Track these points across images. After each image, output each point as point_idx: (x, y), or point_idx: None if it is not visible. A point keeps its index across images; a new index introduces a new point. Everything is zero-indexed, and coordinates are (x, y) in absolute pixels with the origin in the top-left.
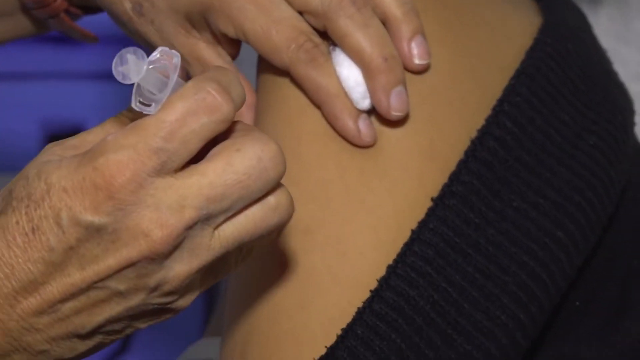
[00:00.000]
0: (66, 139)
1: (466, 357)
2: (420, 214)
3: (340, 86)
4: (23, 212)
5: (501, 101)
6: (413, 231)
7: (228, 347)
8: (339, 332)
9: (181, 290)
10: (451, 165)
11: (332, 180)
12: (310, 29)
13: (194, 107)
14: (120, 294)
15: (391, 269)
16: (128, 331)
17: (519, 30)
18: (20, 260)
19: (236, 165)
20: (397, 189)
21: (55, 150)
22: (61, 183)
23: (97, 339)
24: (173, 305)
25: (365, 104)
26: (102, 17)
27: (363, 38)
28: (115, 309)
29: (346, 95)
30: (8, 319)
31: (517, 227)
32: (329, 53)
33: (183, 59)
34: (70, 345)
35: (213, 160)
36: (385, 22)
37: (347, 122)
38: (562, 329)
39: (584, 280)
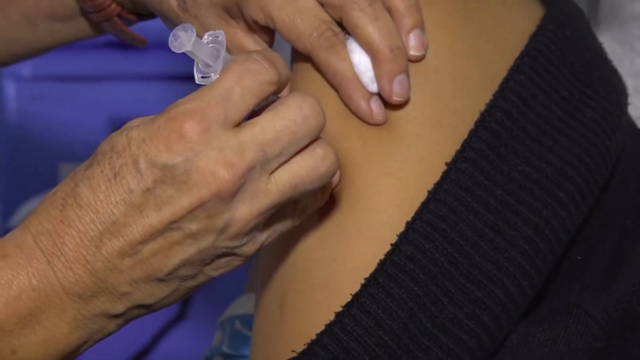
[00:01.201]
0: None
1: (477, 303)
2: (435, 176)
3: (354, 71)
4: (107, 162)
5: (507, 79)
6: (429, 192)
7: (266, 297)
8: (363, 282)
9: (246, 234)
10: (460, 134)
11: (356, 149)
12: (330, 19)
13: (245, 69)
14: (192, 236)
15: (409, 225)
16: (201, 278)
17: (522, 17)
18: (104, 204)
19: (282, 113)
20: (412, 155)
21: (136, 120)
22: (140, 135)
23: (174, 284)
24: (240, 251)
25: (374, 87)
26: (161, 25)
27: (373, 30)
28: (188, 250)
29: (359, 80)
30: (94, 260)
31: (523, 188)
32: (346, 41)
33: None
34: (149, 289)
35: (262, 114)
36: (390, 14)
37: (360, 102)
38: (566, 280)
39: (585, 237)
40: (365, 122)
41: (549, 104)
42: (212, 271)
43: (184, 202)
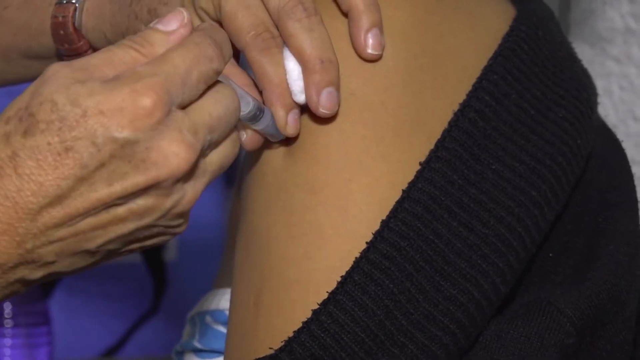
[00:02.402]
0: (69, 62)
1: (452, 300)
2: (410, 176)
3: (284, 78)
4: (55, 134)
5: (480, 79)
6: (404, 190)
7: (241, 294)
8: (339, 279)
9: (187, 213)
10: (436, 133)
11: (334, 145)
12: (271, 22)
13: (202, 54)
14: (137, 213)
15: (385, 223)
16: (125, 253)
17: (495, 17)
18: (50, 177)
19: (221, 100)
20: (390, 154)
21: (66, 72)
22: (98, 107)
23: (99, 256)
24: (174, 230)
25: (302, 97)
26: None
27: (305, 40)
28: (128, 226)
29: (287, 87)
30: (26, 232)
31: (496, 187)
32: (282, 47)
33: None
34: (74, 260)
35: (204, 97)
36: (349, 13)
37: (279, 111)
38: (538, 277)
39: (556, 234)
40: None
41: (521, 104)
42: (138, 246)
43: (139, 179)
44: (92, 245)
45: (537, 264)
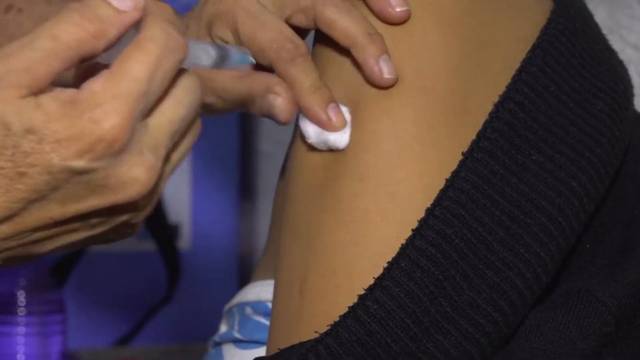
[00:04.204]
0: (9, 53)
1: (495, 288)
2: (456, 164)
3: (314, 81)
4: (8, 159)
5: (519, 70)
6: (447, 179)
7: (286, 280)
8: (386, 265)
9: (142, 220)
10: (480, 122)
11: (384, 131)
12: (291, 32)
13: (165, 49)
14: (90, 226)
15: (429, 211)
16: (64, 251)
17: (533, 8)
18: (1, 199)
19: (182, 100)
20: (439, 141)
21: (12, 80)
22: (55, 136)
23: (46, 254)
24: (132, 233)
25: (313, 141)
26: None
27: (348, 20)
28: (80, 236)
29: (319, 87)
30: None
31: (537, 177)
32: (308, 53)
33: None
34: (13, 261)
35: (165, 99)
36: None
37: (317, 112)
38: (575, 267)
39: (593, 226)
40: (323, 127)
41: (560, 96)
42: (86, 244)
43: (95, 202)
44: (41, 250)
45: (575, 255)
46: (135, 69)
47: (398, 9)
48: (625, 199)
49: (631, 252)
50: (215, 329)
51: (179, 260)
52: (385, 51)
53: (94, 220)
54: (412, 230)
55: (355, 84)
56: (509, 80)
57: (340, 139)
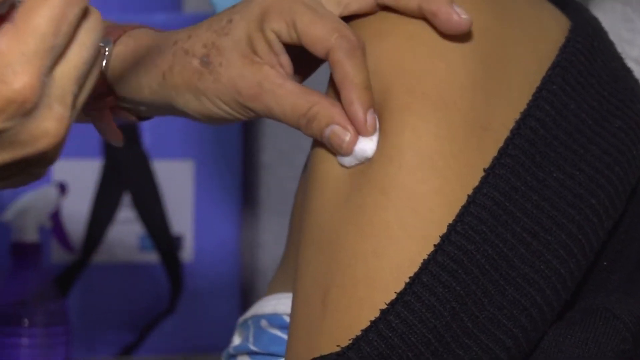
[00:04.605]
0: None
1: (516, 304)
2: (479, 179)
3: (364, 79)
4: None
5: (540, 88)
6: (469, 195)
7: (307, 291)
8: (407, 280)
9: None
10: (501, 139)
11: (407, 144)
12: (349, 28)
13: (67, 1)
14: (1, 179)
15: (451, 227)
16: None
17: (552, 27)
18: None
19: (85, 41)
20: (461, 156)
21: None
22: None
23: None
24: (36, 178)
25: (344, 161)
26: None
27: None
28: None
29: (367, 88)
30: None
31: (557, 194)
32: (365, 50)
33: (255, 85)
34: None
35: (69, 47)
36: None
37: (358, 110)
38: (593, 285)
39: (611, 243)
40: (357, 130)
41: (579, 114)
42: None
43: (6, 157)
44: None
45: (593, 271)
46: (41, 25)
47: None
48: None
49: None
50: (217, 339)
51: (182, 271)
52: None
53: (4, 174)
54: (434, 245)
55: (378, 96)
56: (529, 97)
57: (369, 146)
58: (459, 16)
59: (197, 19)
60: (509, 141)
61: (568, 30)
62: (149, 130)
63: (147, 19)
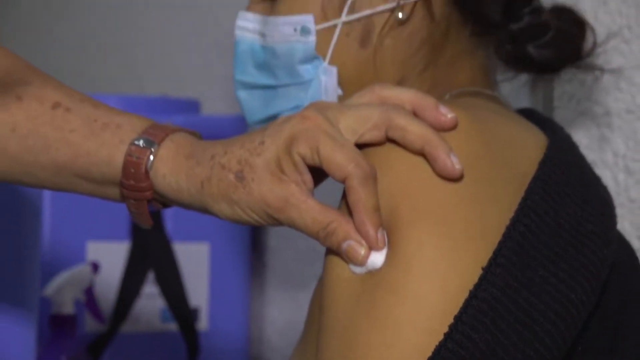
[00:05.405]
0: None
1: None
2: (474, 278)
3: (375, 204)
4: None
5: (525, 199)
6: (471, 290)
7: None
8: None
9: None
10: (495, 243)
11: (411, 254)
12: (363, 156)
13: None
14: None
15: (457, 318)
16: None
17: (532, 146)
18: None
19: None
20: (461, 261)
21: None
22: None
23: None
24: None
25: (356, 270)
26: None
27: (418, 125)
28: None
29: (378, 210)
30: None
31: (543, 290)
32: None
33: (282, 200)
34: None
35: None
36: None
37: (370, 230)
38: None
39: (585, 330)
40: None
41: (558, 220)
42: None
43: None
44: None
45: (570, 356)
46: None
47: (449, 116)
48: (611, 307)
49: (615, 355)
50: None
51: (198, 340)
52: (451, 149)
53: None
54: (444, 334)
55: (387, 213)
56: (516, 206)
57: (379, 258)
58: (453, 166)
59: (213, 121)
60: (502, 244)
61: (546, 147)
62: (170, 217)
63: (168, 120)
